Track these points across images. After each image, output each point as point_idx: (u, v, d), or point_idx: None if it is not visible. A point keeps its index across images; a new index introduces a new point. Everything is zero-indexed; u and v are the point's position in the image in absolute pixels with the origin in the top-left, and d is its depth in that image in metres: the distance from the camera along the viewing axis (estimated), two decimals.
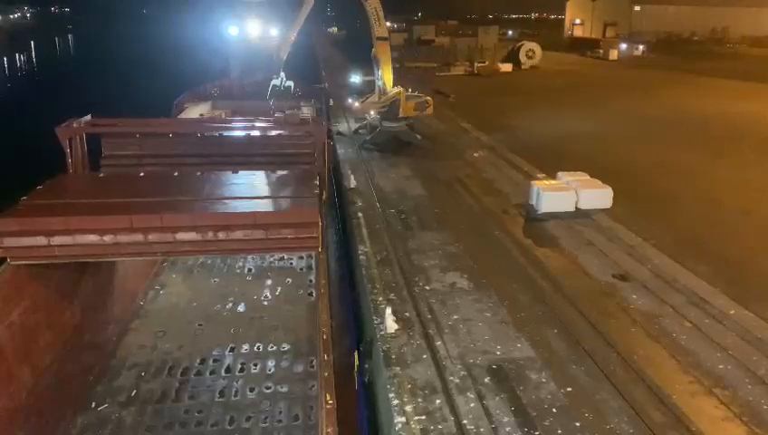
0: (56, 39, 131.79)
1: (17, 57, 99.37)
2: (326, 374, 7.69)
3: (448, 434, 8.24)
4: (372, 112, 25.92)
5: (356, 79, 26.36)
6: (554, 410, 8.72)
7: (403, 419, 8.52)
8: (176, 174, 12.81)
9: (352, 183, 19.77)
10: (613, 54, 69.30)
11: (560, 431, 8.27)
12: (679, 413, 8.59)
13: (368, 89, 26.58)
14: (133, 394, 10.92)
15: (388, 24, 26.52)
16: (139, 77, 58.26)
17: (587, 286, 12.61)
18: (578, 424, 8.42)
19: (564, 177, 18.07)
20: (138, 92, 44.16)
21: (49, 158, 14.14)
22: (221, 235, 10.04)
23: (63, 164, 13.35)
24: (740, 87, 43.31)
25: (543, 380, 9.42)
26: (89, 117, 14.02)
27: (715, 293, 12.16)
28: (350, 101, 26.99)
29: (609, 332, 10.78)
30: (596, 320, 11.20)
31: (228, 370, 11.67)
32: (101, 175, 14.09)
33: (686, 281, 12.72)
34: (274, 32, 34.27)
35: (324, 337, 8.54)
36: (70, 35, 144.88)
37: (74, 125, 13.44)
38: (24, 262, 9.80)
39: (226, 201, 10.99)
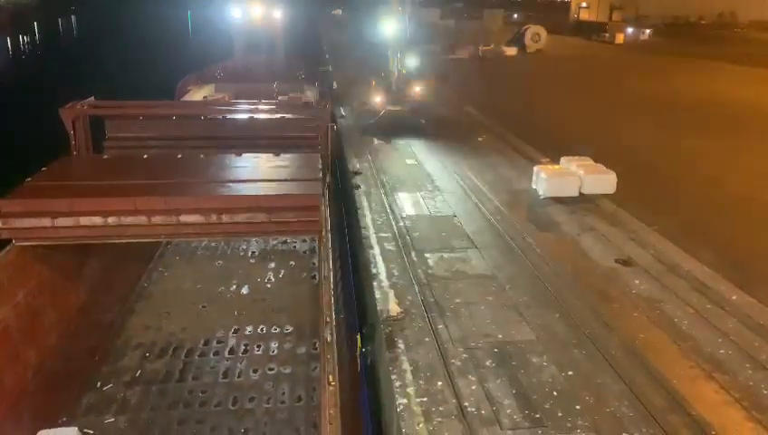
0: (59, 20, 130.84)
1: (21, 38, 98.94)
2: (328, 356, 7.75)
3: (449, 415, 8.32)
4: (379, 98, 25.81)
5: (413, 62, 25.86)
6: (555, 393, 8.78)
7: (405, 400, 8.60)
8: (179, 156, 12.82)
9: (356, 167, 19.76)
10: (619, 38, 68.77)
11: (560, 414, 8.34)
12: (679, 398, 8.64)
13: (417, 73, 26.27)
14: (138, 374, 11.04)
15: None
16: (143, 58, 58.02)
17: (589, 271, 12.63)
18: (578, 407, 8.48)
19: (567, 161, 18.03)
20: (141, 74, 44.03)
21: (53, 139, 14.16)
22: (224, 217, 10.07)
23: (67, 146, 13.37)
24: (746, 72, 42.98)
25: (545, 363, 9.48)
26: (92, 99, 14.01)
27: (717, 278, 12.16)
28: (418, 88, 26.75)
29: (611, 316, 10.82)
30: (597, 305, 11.23)
31: (232, 351, 11.77)
32: (105, 157, 14.12)
33: (689, 266, 12.73)
34: (278, 14, 33.96)
35: (327, 319, 8.59)
36: (73, 16, 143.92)
37: (78, 107, 13.44)
38: (28, 243, 9.86)
39: (230, 184, 11.01)
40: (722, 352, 9.77)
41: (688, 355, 9.67)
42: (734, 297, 11.45)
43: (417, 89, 26.22)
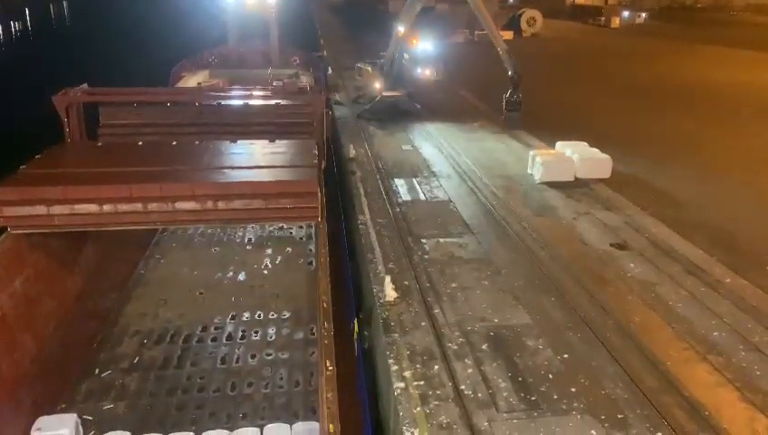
0: (50, 6, 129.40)
1: (12, 24, 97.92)
2: (326, 341, 7.80)
3: (446, 399, 8.39)
4: (376, 84, 25.72)
5: (416, 46, 26.04)
6: (551, 376, 8.86)
7: (402, 384, 8.67)
8: (174, 143, 12.77)
9: (351, 153, 19.72)
10: (615, 22, 68.56)
11: (555, 397, 8.42)
12: (673, 379, 8.73)
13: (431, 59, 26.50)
14: (136, 361, 11.09)
15: None
16: (136, 45, 57.52)
17: (584, 255, 12.69)
18: (573, 390, 8.56)
19: (563, 146, 18.03)
20: (134, 60, 43.67)
21: (46, 127, 14.08)
22: (220, 204, 10.06)
23: (61, 133, 13.31)
24: (741, 56, 42.90)
25: (540, 347, 9.55)
26: (85, 86, 13.93)
27: (711, 261, 12.25)
28: (418, 73, 26.93)
29: (606, 300, 10.89)
30: (593, 288, 11.30)
31: (229, 337, 11.82)
32: (99, 144, 14.05)
33: (684, 250, 12.80)
34: None
35: (324, 305, 8.63)
36: (64, 2, 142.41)
37: (71, 94, 13.36)
38: (24, 231, 9.84)
39: (225, 171, 10.98)
40: (715, 334, 9.86)
41: (682, 337, 9.76)
42: (728, 280, 11.53)
43: (418, 74, 26.19)
